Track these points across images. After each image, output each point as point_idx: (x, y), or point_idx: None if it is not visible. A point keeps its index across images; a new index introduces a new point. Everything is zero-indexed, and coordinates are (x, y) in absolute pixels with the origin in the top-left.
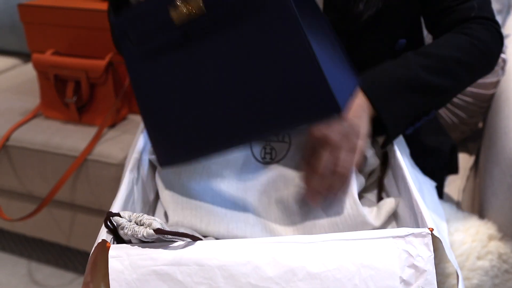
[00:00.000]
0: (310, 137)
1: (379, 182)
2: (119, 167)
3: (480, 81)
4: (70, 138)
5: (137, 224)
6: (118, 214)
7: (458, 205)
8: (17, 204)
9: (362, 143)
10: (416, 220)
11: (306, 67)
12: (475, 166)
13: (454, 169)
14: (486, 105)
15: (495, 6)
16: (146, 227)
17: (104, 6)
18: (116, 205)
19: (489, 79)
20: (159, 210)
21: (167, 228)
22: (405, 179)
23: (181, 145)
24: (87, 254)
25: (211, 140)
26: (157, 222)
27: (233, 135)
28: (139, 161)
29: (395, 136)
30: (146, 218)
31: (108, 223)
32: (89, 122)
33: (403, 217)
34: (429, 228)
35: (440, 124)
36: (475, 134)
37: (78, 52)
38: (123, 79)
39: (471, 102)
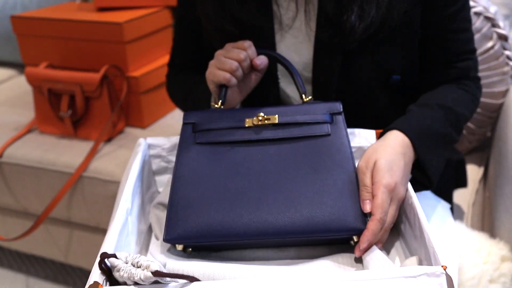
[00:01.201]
0: (386, 189)
1: None
2: (115, 184)
3: (489, 90)
4: (65, 153)
5: (134, 266)
6: (114, 255)
7: (467, 220)
8: (12, 221)
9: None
10: (428, 254)
11: (351, 191)
12: (484, 178)
13: (462, 183)
14: (495, 115)
15: (502, 11)
16: (143, 269)
17: (99, 17)
18: (109, 241)
19: (498, 88)
20: (154, 240)
21: (165, 271)
22: (415, 209)
23: (202, 226)
24: (87, 270)
25: (236, 229)
26: (155, 264)
27: (261, 231)
28: (133, 189)
29: (433, 187)
30: (143, 260)
31: (102, 264)
32: (85, 136)
33: (413, 248)
34: (442, 266)
35: None
36: (483, 144)
37: (73, 65)
38: (119, 92)
39: (480, 112)
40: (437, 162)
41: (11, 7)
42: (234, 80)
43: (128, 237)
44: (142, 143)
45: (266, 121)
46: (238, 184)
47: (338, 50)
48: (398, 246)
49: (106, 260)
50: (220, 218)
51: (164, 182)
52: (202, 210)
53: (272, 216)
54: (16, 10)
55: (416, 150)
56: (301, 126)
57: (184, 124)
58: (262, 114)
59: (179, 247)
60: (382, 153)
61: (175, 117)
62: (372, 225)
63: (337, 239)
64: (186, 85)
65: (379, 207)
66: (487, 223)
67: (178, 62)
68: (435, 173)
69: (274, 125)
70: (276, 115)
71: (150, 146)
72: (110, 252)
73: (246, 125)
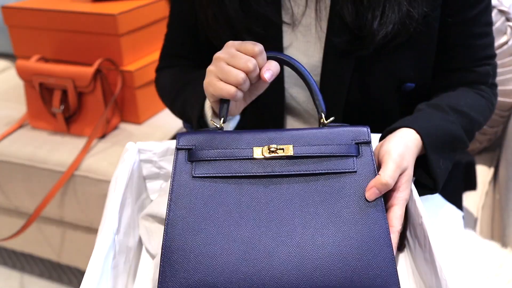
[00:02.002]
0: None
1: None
2: (108, 184)
3: (502, 88)
4: (57, 151)
5: None
6: None
7: (475, 224)
8: (4, 219)
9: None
10: (439, 285)
11: (383, 246)
12: (494, 179)
13: (471, 185)
14: (507, 113)
15: None
16: None
17: (93, 8)
18: (92, 269)
19: (511, 86)
20: (144, 257)
21: None
22: (425, 231)
23: (202, 284)
24: (82, 269)
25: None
26: None
27: None
28: (121, 201)
29: (438, 191)
30: None
31: None
32: (77, 132)
33: (422, 270)
34: None
35: None
36: (494, 144)
37: (66, 58)
38: (113, 87)
39: None
40: (444, 164)
41: None
42: (240, 95)
43: (115, 259)
44: (131, 148)
45: (279, 152)
46: (245, 233)
47: (351, 55)
48: (407, 264)
49: None
50: (225, 278)
51: (156, 188)
52: (201, 265)
53: (286, 277)
54: (8, 0)
55: (425, 147)
56: (320, 160)
57: (178, 149)
58: (274, 145)
59: None
60: (410, 161)
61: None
62: (394, 238)
63: None
64: (177, 81)
65: (400, 219)
66: (496, 227)
67: (172, 54)
68: (441, 176)
69: (288, 157)
70: (291, 145)
71: (140, 151)
72: (94, 285)
73: (255, 156)
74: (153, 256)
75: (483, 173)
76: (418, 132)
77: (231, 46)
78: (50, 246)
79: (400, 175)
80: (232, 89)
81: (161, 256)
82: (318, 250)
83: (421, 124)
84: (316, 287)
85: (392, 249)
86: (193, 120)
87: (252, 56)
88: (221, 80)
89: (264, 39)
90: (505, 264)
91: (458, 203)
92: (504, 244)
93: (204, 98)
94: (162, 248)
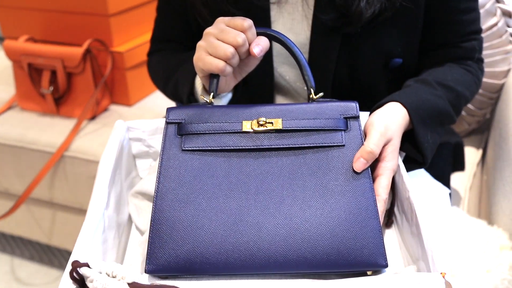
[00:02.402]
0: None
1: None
2: (98, 165)
3: (490, 70)
4: (47, 132)
5: (108, 275)
6: (86, 264)
7: (463, 204)
8: None
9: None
10: (425, 256)
11: (370, 218)
12: (482, 161)
13: (460, 166)
14: (495, 95)
15: None
16: (119, 280)
17: None
18: (81, 245)
19: (500, 67)
20: (134, 233)
21: (144, 281)
22: (412, 204)
23: (191, 257)
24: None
25: (232, 262)
26: (132, 274)
27: (262, 266)
28: (110, 178)
29: (426, 165)
30: (119, 269)
31: (75, 273)
32: (67, 114)
33: (409, 243)
34: (441, 273)
35: None
36: (483, 126)
37: (55, 38)
38: (103, 68)
39: (480, 92)
40: (432, 138)
41: None
42: (229, 69)
43: (104, 233)
44: (120, 125)
45: (268, 126)
46: (233, 205)
47: (338, 32)
48: (394, 238)
49: (78, 269)
50: (213, 248)
51: (145, 167)
52: (190, 236)
53: (274, 247)
54: None
55: (412, 121)
56: (309, 134)
57: (168, 123)
58: (263, 118)
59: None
60: (396, 131)
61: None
62: (380, 206)
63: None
64: (168, 63)
65: (386, 188)
66: (484, 207)
67: (162, 38)
68: (429, 149)
69: (277, 131)
70: (280, 119)
71: (129, 129)
72: (83, 257)
73: (244, 130)
74: (142, 233)
75: (471, 154)
76: (404, 106)
77: (221, 22)
78: (40, 228)
79: (386, 145)
80: (221, 63)
81: (150, 227)
82: (306, 221)
83: (408, 98)
84: (303, 258)
85: (379, 221)
86: (183, 97)
87: (241, 31)
88: (211, 55)
89: (251, 17)
90: (491, 241)
91: (446, 184)
92: (490, 222)
93: (194, 74)
94: (151, 220)
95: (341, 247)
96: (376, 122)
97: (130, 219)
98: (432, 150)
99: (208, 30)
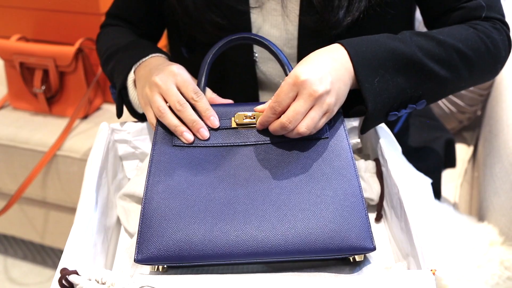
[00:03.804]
0: (292, 81)
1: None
2: None
3: None
4: (39, 131)
5: (98, 282)
6: (75, 272)
7: (455, 203)
8: None
9: (336, 108)
10: (415, 252)
11: (356, 203)
12: (473, 158)
13: (451, 163)
14: (486, 92)
15: None
16: (109, 286)
17: None
18: (69, 252)
19: None
20: (123, 236)
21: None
22: (401, 200)
23: (180, 244)
24: None
25: (221, 248)
26: (122, 280)
27: (250, 251)
28: (97, 181)
29: (373, 115)
30: (108, 276)
31: (64, 281)
32: (59, 113)
33: (399, 239)
34: (431, 270)
35: (435, 118)
36: (474, 123)
37: (47, 38)
38: (95, 67)
39: (471, 89)
40: (380, 82)
41: None
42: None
43: (93, 238)
44: (104, 128)
45: (253, 120)
46: (222, 194)
47: (325, 33)
48: (384, 233)
49: (67, 276)
50: (202, 235)
51: (132, 168)
52: (180, 225)
53: (262, 233)
54: None
55: (352, 61)
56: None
57: (159, 120)
58: (247, 113)
59: (152, 268)
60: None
61: None
62: (265, 110)
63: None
64: (112, 44)
65: (275, 95)
66: (474, 204)
67: (121, 16)
68: (372, 93)
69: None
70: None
71: (114, 131)
72: (72, 264)
73: (232, 126)
74: (131, 235)
75: (462, 151)
76: (344, 47)
77: (178, 100)
78: (33, 227)
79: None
80: (178, 130)
81: (140, 218)
82: (293, 208)
83: (353, 41)
84: (292, 244)
85: (365, 207)
86: (116, 85)
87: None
88: (168, 116)
89: (231, 16)
90: (481, 237)
91: (437, 180)
92: (480, 218)
93: (129, 70)
94: (141, 210)
95: (328, 232)
96: (294, 70)
97: (118, 222)
98: (380, 95)
99: (171, 89)
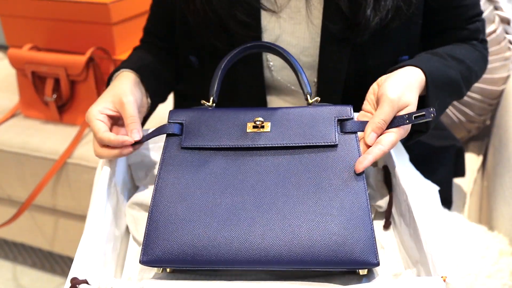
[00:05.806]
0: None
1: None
2: None
3: (489, 76)
4: (50, 139)
5: None
6: (85, 281)
7: (464, 212)
8: None
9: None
10: (425, 259)
11: (362, 217)
12: (483, 167)
13: (460, 172)
14: (495, 102)
15: None
16: None
17: None
18: (79, 261)
19: (499, 74)
20: (132, 246)
21: None
22: (410, 207)
23: (185, 248)
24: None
25: (224, 254)
26: None
27: (253, 259)
28: (106, 190)
29: (428, 132)
30: (118, 285)
31: None
32: (70, 121)
33: (408, 246)
34: (442, 277)
35: (444, 127)
36: (483, 132)
37: (58, 47)
38: (106, 76)
39: (480, 99)
40: (438, 105)
41: None
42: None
43: (103, 247)
44: None
45: (264, 127)
46: (229, 200)
47: (348, 42)
48: (393, 240)
49: (77, 286)
50: (206, 241)
51: (141, 177)
52: (185, 229)
53: (265, 242)
54: None
55: (428, 86)
56: (302, 134)
57: (170, 123)
58: (260, 118)
59: (158, 269)
60: (412, 98)
61: (166, 102)
62: (378, 152)
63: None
64: (130, 57)
65: (391, 143)
66: (484, 213)
67: (149, 31)
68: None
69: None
70: (269, 123)
71: None
72: (82, 273)
73: (241, 130)
74: (140, 244)
75: (472, 161)
76: (422, 70)
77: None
78: (43, 235)
79: (401, 111)
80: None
81: (147, 220)
82: (299, 218)
83: (424, 64)
84: (295, 254)
85: (371, 221)
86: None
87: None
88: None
89: (241, 19)
90: (491, 247)
91: (447, 189)
92: (491, 227)
93: (111, 77)
94: (148, 213)
95: (332, 244)
96: (390, 90)
97: (127, 231)
98: (436, 119)
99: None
